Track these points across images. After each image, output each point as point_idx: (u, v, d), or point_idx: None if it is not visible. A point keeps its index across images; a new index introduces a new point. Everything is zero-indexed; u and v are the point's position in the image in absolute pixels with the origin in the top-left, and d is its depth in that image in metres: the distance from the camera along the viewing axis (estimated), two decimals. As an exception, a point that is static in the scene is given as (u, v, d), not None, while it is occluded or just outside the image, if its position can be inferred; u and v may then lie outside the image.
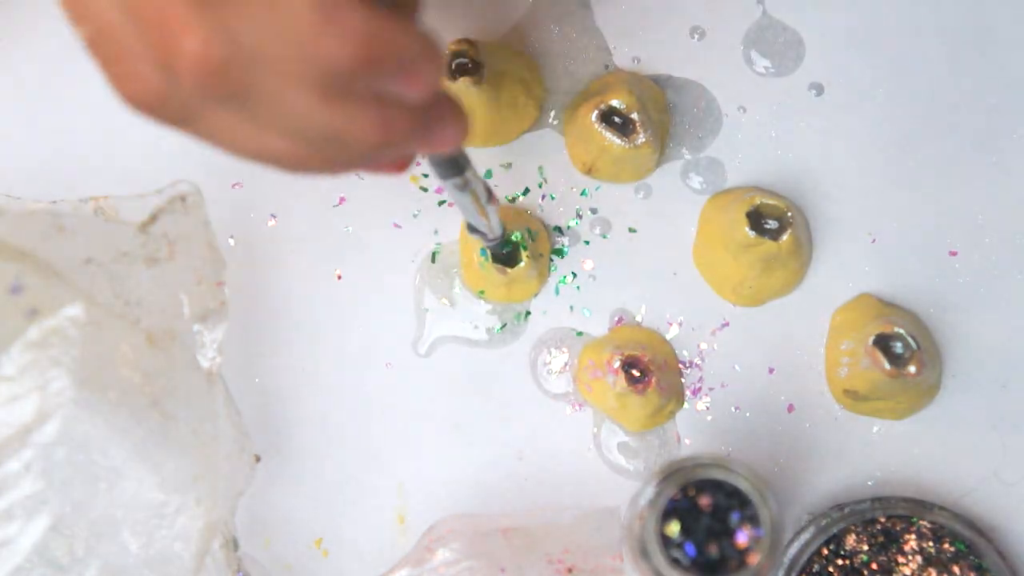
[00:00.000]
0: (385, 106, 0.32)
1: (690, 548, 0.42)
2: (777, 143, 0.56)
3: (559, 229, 0.56)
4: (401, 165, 0.37)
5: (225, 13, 0.29)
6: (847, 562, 0.51)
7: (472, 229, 0.50)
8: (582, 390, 0.54)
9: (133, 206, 0.50)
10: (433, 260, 0.56)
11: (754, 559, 0.42)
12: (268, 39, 0.30)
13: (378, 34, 0.30)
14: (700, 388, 0.55)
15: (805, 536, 0.52)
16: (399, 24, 0.31)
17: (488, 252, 0.53)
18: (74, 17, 0.32)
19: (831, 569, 0.51)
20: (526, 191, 0.56)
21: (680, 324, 0.55)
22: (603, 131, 0.53)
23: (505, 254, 0.53)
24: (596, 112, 0.53)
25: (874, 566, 0.51)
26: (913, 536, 0.51)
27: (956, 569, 0.51)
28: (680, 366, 0.55)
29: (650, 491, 0.44)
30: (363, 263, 0.56)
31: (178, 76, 0.30)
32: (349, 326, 0.56)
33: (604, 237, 0.56)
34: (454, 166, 0.42)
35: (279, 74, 0.30)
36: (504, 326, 0.56)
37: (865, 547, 0.51)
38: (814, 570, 0.51)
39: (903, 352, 0.51)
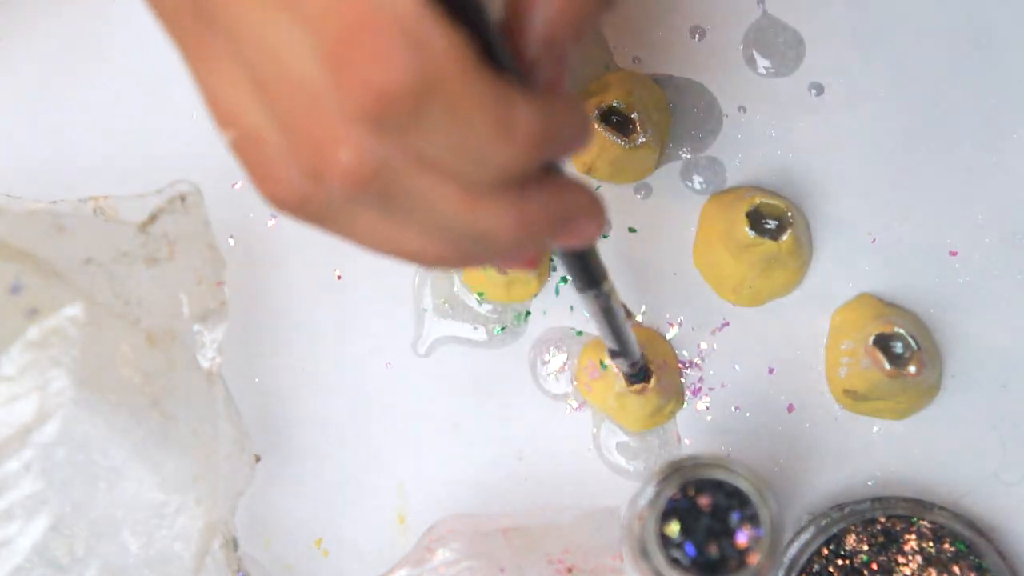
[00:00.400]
0: (525, 203, 0.31)
1: (690, 548, 0.42)
2: (777, 143, 0.56)
3: (559, 229, 0.56)
4: (532, 261, 0.37)
5: (388, 126, 0.28)
6: (847, 562, 0.51)
7: (614, 354, 0.49)
8: (582, 390, 0.54)
9: (133, 206, 0.50)
10: (433, 260, 0.56)
11: (754, 559, 0.42)
12: (435, 148, 0.28)
13: (550, 127, 0.29)
14: (700, 388, 0.55)
15: (805, 536, 0.52)
16: (566, 105, 0.30)
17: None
18: (219, 120, 0.31)
19: (831, 569, 0.51)
20: (526, 191, 0.56)
21: (680, 324, 0.55)
22: (603, 131, 0.53)
23: None
24: (596, 112, 0.53)
25: (874, 566, 0.51)
26: (913, 536, 0.51)
27: (956, 569, 0.51)
28: (680, 366, 0.55)
29: (650, 491, 0.44)
30: (363, 263, 0.56)
31: (326, 184, 0.29)
32: (349, 326, 0.56)
33: (604, 237, 0.56)
34: (589, 274, 0.41)
35: (434, 178, 0.29)
36: (504, 328, 0.56)
37: (865, 547, 0.51)
38: (814, 570, 0.51)
39: (903, 352, 0.51)
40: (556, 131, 0.30)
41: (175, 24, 0.31)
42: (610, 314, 0.44)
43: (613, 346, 0.48)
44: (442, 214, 0.30)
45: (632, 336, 0.48)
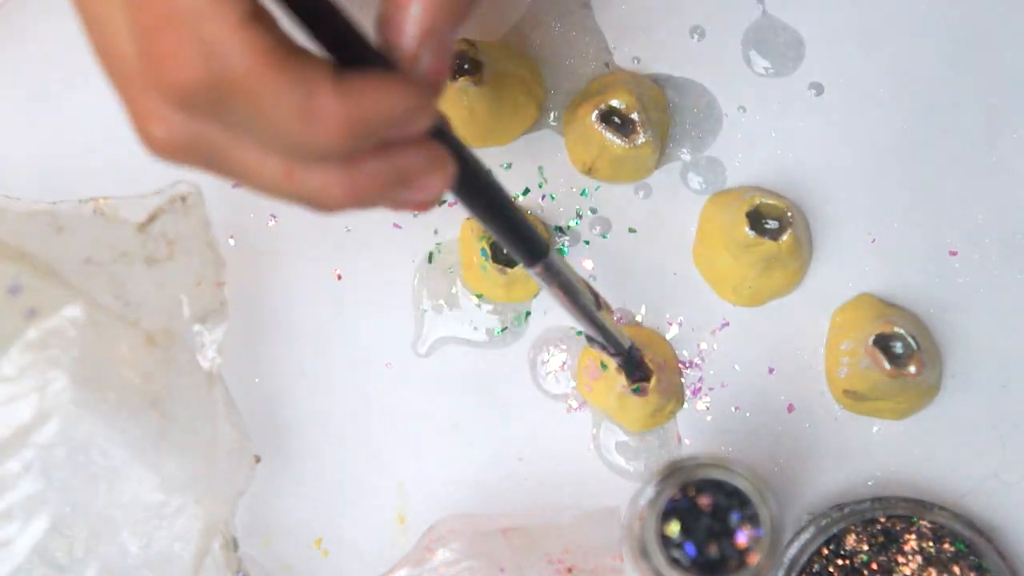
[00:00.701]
0: (353, 172, 0.33)
1: (690, 548, 0.42)
2: (777, 143, 0.56)
3: (559, 229, 0.56)
4: (423, 206, 0.37)
5: (194, 109, 0.31)
6: (847, 562, 0.51)
7: (591, 340, 0.49)
8: (582, 390, 0.54)
9: (133, 206, 0.50)
10: (430, 261, 0.56)
11: (754, 559, 0.42)
12: (249, 127, 0.31)
13: (360, 114, 0.31)
14: (700, 388, 0.55)
15: (805, 536, 0.52)
16: (379, 91, 0.31)
17: (488, 252, 0.53)
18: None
19: (831, 569, 0.51)
20: (526, 191, 0.56)
21: (680, 324, 0.55)
22: (603, 131, 0.53)
23: (506, 254, 0.53)
24: (596, 112, 0.53)
25: (874, 566, 0.51)
26: (913, 536, 0.51)
27: (956, 569, 0.51)
28: (680, 366, 0.55)
29: (650, 491, 0.44)
30: (363, 263, 0.56)
31: (148, 149, 0.34)
32: (349, 326, 0.56)
33: (604, 237, 0.56)
34: (525, 246, 0.41)
35: (256, 150, 0.32)
36: (504, 328, 0.56)
37: (865, 547, 0.51)
38: (814, 570, 0.51)
39: (903, 352, 0.51)
40: (370, 117, 0.31)
41: None
42: (568, 290, 0.43)
43: (589, 332, 0.47)
44: (269, 180, 0.33)
45: (608, 323, 0.47)
